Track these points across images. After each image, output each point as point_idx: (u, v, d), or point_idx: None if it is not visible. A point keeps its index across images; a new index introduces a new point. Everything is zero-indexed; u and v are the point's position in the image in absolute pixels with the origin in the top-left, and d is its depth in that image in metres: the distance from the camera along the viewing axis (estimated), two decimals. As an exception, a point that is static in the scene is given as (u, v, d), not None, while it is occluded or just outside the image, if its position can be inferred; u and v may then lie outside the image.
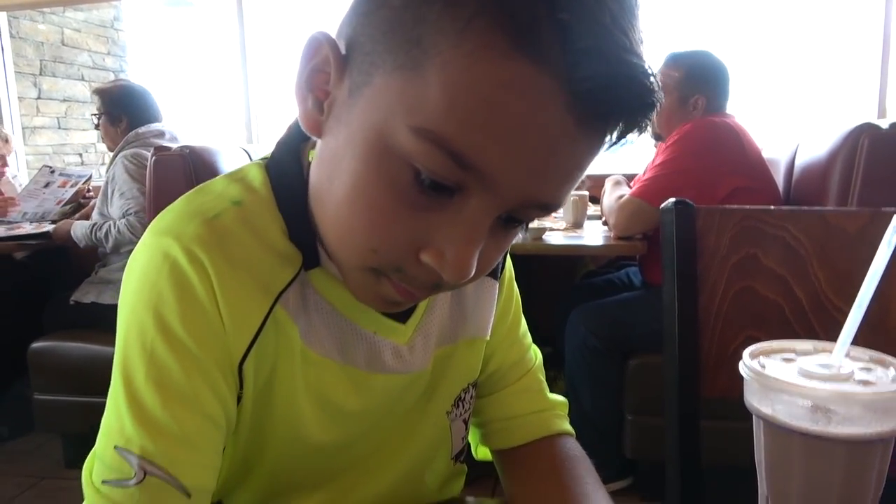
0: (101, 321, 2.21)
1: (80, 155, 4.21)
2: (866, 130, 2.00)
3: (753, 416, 0.51)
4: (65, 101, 4.10)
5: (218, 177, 0.54)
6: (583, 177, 0.44)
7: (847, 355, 0.50)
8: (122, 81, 2.91)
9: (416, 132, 0.39)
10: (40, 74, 3.96)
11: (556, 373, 2.10)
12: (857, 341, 0.51)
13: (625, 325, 1.94)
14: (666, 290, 1.07)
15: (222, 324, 0.47)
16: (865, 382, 0.47)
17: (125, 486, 0.44)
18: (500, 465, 0.64)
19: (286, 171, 0.53)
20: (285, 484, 0.58)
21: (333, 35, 0.45)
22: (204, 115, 4.49)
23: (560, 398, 0.65)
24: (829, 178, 2.10)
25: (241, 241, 0.49)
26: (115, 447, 0.45)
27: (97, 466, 0.46)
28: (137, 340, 0.47)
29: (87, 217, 2.50)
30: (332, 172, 0.45)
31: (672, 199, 1.05)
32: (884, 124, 2.03)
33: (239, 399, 0.51)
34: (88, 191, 2.87)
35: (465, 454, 0.67)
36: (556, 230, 2.21)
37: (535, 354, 0.67)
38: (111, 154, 2.46)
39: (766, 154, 2.08)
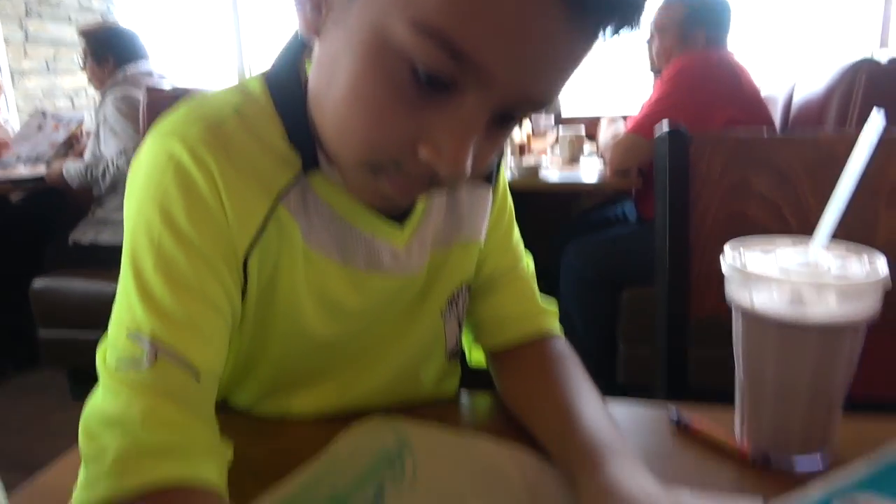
0: (101, 260, 2.24)
1: (71, 99, 4.15)
2: (864, 66, 1.98)
3: (732, 307, 0.54)
4: (53, 44, 4.01)
5: (218, 89, 0.55)
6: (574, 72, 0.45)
7: (824, 248, 0.53)
8: (107, 23, 2.86)
9: (413, 26, 0.40)
10: (26, 16, 3.86)
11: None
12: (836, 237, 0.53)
13: (619, 258, 1.97)
14: (658, 215, 1.09)
15: (226, 220, 0.49)
16: (840, 272, 0.50)
17: (138, 367, 0.46)
18: (493, 365, 0.67)
19: (284, 80, 0.54)
20: (287, 379, 0.61)
21: None
22: (193, 59, 4.40)
23: (552, 304, 0.67)
24: (826, 114, 2.09)
25: (242, 143, 0.51)
26: (127, 333, 0.47)
27: (110, 352, 0.48)
28: (145, 235, 0.48)
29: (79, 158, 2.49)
30: (330, 75, 0.47)
31: (666, 127, 1.06)
32: (884, 58, 2.02)
33: (244, 294, 0.53)
34: (81, 134, 2.86)
35: (459, 354, 0.70)
36: (551, 168, 2.22)
37: (529, 264, 0.69)
38: (99, 95, 2.44)
39: (763, 92, 2.07)
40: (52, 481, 0.54)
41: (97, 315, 0.50)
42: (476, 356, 0.72)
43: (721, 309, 0.56)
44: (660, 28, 2.12)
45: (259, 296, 0.54)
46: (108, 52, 2.41)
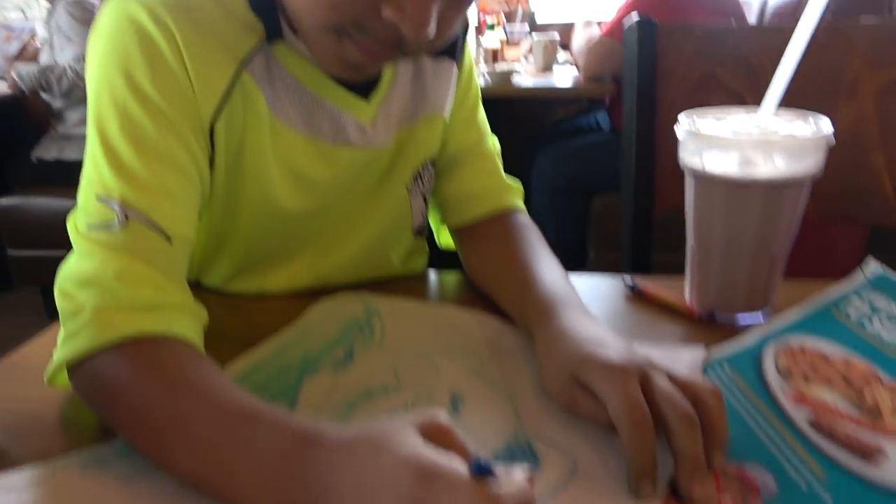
0: (68, 177, 2.19)
1: (23, 10, 3.93)
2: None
3: (685, 173, 0.56)
4: (-4, -50, 3.75)
5: None
6: None
7: (774, 114, 0.54)
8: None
9: None
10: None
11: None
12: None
13: (591, 166, 1.98)
14: (626, 110, 1.09)
15: (191, 85, 0.49)
16: (787, 133, 0.52)
17: (110, 229, 0.46)
18: (458, 242, 0.69)
19: None
20: (259, 257, 0.63)
21: None
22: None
23: (516, 183, 0.69)
24: (799, 14, 2.08)
25: (203, 8, 0.51)
26: (97, 196, 0.47)
27: (81, 216, 0.48)
28: (109, 99, 0.48)
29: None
30: None
31: (636, 18, 1.05)
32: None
33: (211, 163, 0.53)
34: (35, 43, 2.74)
35: (425, 231, 0.72)
36: (525, 74, 2.18)
37: (494, 143, 0.70)
38: (49, 4, 2.31)
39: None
40: (22, 360, 0.55)
41: (65, 233, 0.49)
42: (444, 238, 0.74)
43: (684, 204, 0.58)
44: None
45: (227, 166, 0.54)
46: (56, -42, 2.27)
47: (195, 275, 0.65)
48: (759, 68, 1.03)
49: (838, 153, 1.01)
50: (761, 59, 1.05)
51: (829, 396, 0.44)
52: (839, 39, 0.98)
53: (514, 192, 0.67)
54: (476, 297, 0.62)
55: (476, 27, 2.54)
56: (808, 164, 0.51)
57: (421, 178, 0.64)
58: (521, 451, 0.42)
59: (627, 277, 0.63)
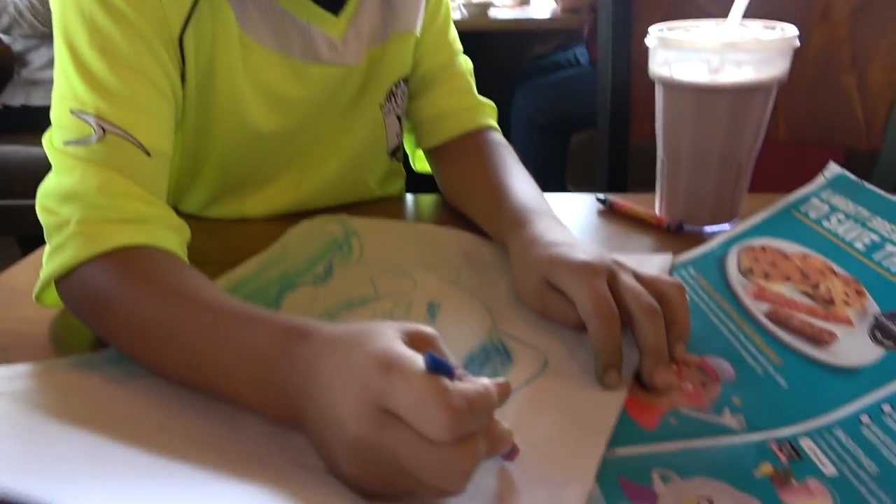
0: (36, 123, 2.13)
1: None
2: None
3: (655, 85, 0.57)
4: None
5: None
6: None
7: (742, 24, 0.55)
8: None
9: None
10: None
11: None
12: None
13: (569, 101, 1.97)
14: (601, 36, 1.09)
15: None
16: (754, 39, 0.52)
17: (87, 143, 0.46)
18: (434, 162, 0.70)
19: None
20: (235, 179, 0.63)
21: None
22: None
23: (489, 101, 0.69)
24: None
25: None
26: (71, 110, 0.47)
27: (56, 132, 0.48)
28: (75, 11, 0.47)
29: None
30: None
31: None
32: None
33: (183, 78, 0.53)
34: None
35: (401, 152, 0.73)
36: (503, 7, 2.14)
37: (465, 61, 0.70)
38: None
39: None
40: (9, 282, 0.56)
41: (38, 181, 0.48)
42: (419, 163, 0.74)
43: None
44: None
45: (198, 82, 0.54)
46: None
47: (173, 201, 0.65)
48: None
49: (810, 76, 1.03)
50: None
51: (786, 291, 0.46)
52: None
53: (486, 111, 0.67)
54: (452, 217, 0.64)
55: (452, -41, 2.47)
56: (773, 68, 0.52)
57: (394, 97, 0.64)
58: (495, 350, 0.44)
59: (600, 195, 0.65)
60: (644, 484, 0.33)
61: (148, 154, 0.47)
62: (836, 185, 0.52)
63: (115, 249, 0.43)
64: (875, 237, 0.46)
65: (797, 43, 0.52)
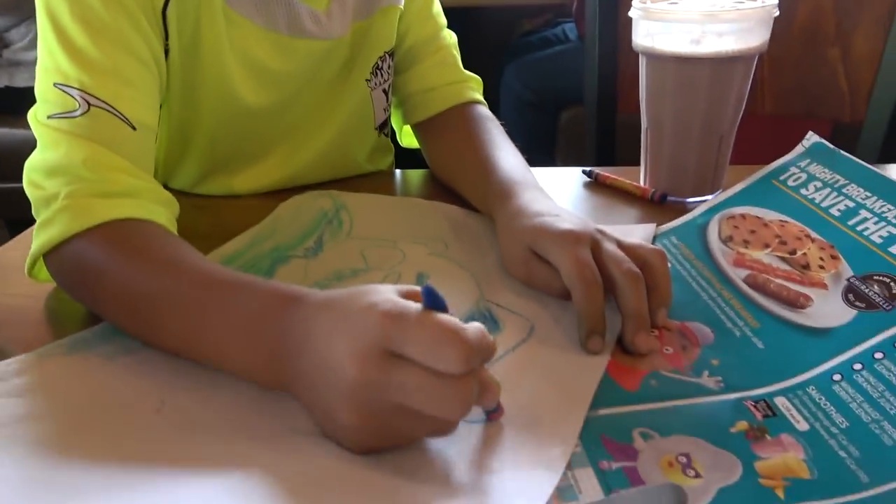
0: (20, 105, 2.10)
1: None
2: None
3: (640, 57, 0.57)
4: None
5: None
6: None
7: (725, -5, 0.55)
8: None
9: None
10: None
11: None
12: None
13: (559, 77, 1.97)
14: (588, 11, 1.09)
15: None
16: (734, 9, 0.53)
17: (71, 116, 0.46)
18: (420, 137, 0.70)
19: None
20: (224, 156, 0.63)
21: None
22: None
23: (474, 75, 0.70)
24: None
25: None
26: (55, 84, 0.47)
27: (40, 106, 0.48)
28: None
29: None
30: None
31: None
32: None
33: (167, 52, 0.53)
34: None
35: (388, 128, 0.73)
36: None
37: (450, 35, 0.70)
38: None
39: None
40: (1, 258, 0.56)
41: (24, 163, 0.48)
42: (406, 138, 0.75)
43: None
44: None
45: (183, 56, 0.54)
46: None
47: (163, 177, 0.65)
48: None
49: (795, 49, 1.03)
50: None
51: (765, 258, 0.48)
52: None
53: (472, 85, 0.68)
54: (440, 191, 0.64)
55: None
56: (754, 38, 0.53)
57: (380, 71, 0.64)
58: (482, 318, 0.45)
59: (586, 168, 0.65)
60: (625, 442, 0.34)
61: (133, 128, 0.47)
62: (813, 153, 0.53)
63: (104, 223, 0.43)
64: (850, 203, 0.48)
65: (776, 12, 0.52)
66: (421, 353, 0.30)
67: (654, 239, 0.53)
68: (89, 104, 0.46)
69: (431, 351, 0.30)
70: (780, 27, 0.53)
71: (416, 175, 0.71)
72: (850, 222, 0.47)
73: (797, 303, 0.43)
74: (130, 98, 0.48)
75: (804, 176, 0.52)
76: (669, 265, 0.45)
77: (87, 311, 0.46)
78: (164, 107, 0.55)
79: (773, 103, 1.08)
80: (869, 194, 0.47)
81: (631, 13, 0.56)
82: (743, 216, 0.51)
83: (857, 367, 0.37)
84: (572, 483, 0.32)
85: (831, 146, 0.53)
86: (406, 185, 0.70)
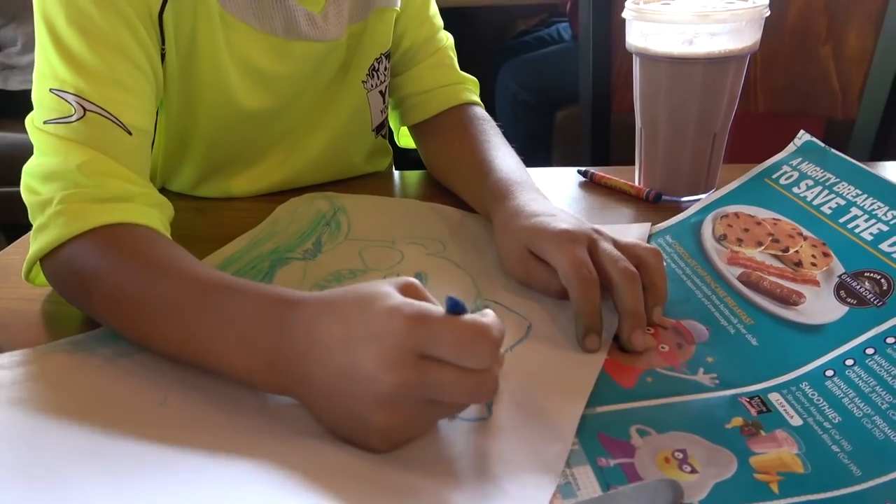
0: (15, 109, 2.10)
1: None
2: None
3: (633, 58, 0.58)
4: None
5: None
6: None
7: (717, -4, 0.56)
8: None
9: None
10: None
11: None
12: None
13: (553, 77, 1.98)
14: (582, 9, 1.09)
15: None
16: (726, 9, 0.54)
17: (67, 122, 0.46)
18: (418, 138, 0.71)
19: None
20: (222, 159, 0.63)
21: None
22: None
23: (471, 77, 0.70)
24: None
25: None
26: (51, 89, 0.47)
27: (37, 111, 0.48)
28: None
29: None
30: None
31: None
32: None
33: (163, 57, 0.53)
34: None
35: (385, 129, 0.73)
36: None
37: (446, 37, 0.70)
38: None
39: None
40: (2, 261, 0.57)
41: (19, 167, 0.48)
42: (403, 139, 0.75)
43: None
44: None
45: (180, 60, 0.54)
46: None
47: (162, 180, 0.65)
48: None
49: (787, 48, 1.04)
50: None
51: (758, 255, 0.48)
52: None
53: (469, 86, 0.68)
54: (438, 192, 0.65)
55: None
56: (745, 38, 0.53)
57: (376, 71, 0.65)
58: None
59: (581, 168, 0.66)
60: (622, 438, 0.35)
61: (129, 132, 0.48)
62: (804, 152, 0.54)
63: (99, 228, 0.43)
64: (841, 201, 0.48)
65: (767, 12, 0.53)
66: (452, 353, 0.32)
67: (649, 238, 0.54)
68: (85, 109, 0.46)
69: (462, 351, 0.32)
70: (772, 27, 0.54)
71: (413, 176, 0.71)
72: (842, 220, 0.47)
73: (790, 300, 0.44)
74: (126, 103, 0.48)
75: (796, 174, 0.52)
76: (665, 264, 0.45)
77: (84, 316, 0.47)
78: (161, 111, 0.55)
79: (765, 102, 1.08)
80: (860, 192, 0.48)
81: (624, 14, 0.56)
82: (736, 215, 0.52)
83: (849, 362, 0.38)
84: (571, 480, 0.32)
85: (822, 144, 0.54)
86: (404, 187, 0.71)
